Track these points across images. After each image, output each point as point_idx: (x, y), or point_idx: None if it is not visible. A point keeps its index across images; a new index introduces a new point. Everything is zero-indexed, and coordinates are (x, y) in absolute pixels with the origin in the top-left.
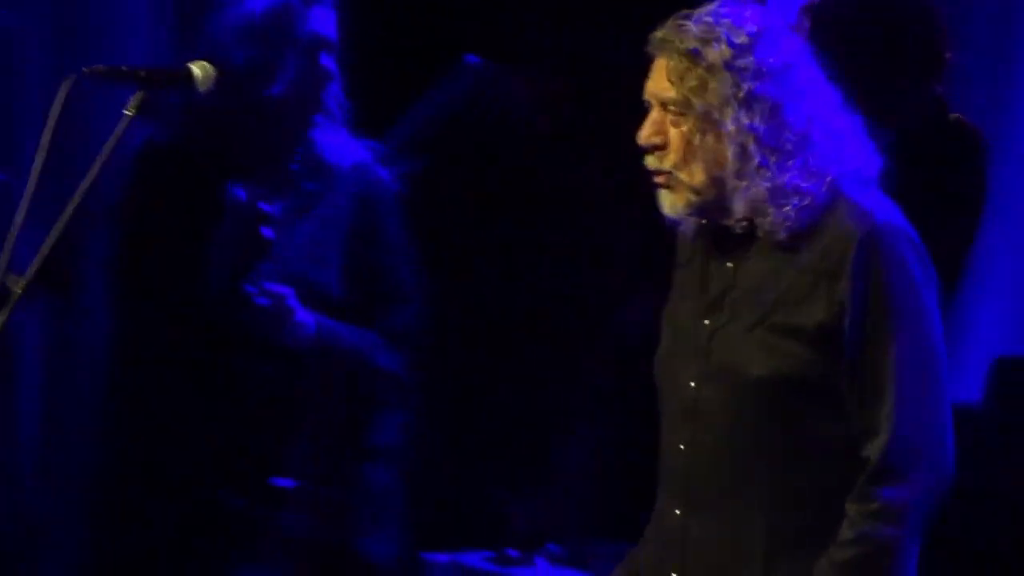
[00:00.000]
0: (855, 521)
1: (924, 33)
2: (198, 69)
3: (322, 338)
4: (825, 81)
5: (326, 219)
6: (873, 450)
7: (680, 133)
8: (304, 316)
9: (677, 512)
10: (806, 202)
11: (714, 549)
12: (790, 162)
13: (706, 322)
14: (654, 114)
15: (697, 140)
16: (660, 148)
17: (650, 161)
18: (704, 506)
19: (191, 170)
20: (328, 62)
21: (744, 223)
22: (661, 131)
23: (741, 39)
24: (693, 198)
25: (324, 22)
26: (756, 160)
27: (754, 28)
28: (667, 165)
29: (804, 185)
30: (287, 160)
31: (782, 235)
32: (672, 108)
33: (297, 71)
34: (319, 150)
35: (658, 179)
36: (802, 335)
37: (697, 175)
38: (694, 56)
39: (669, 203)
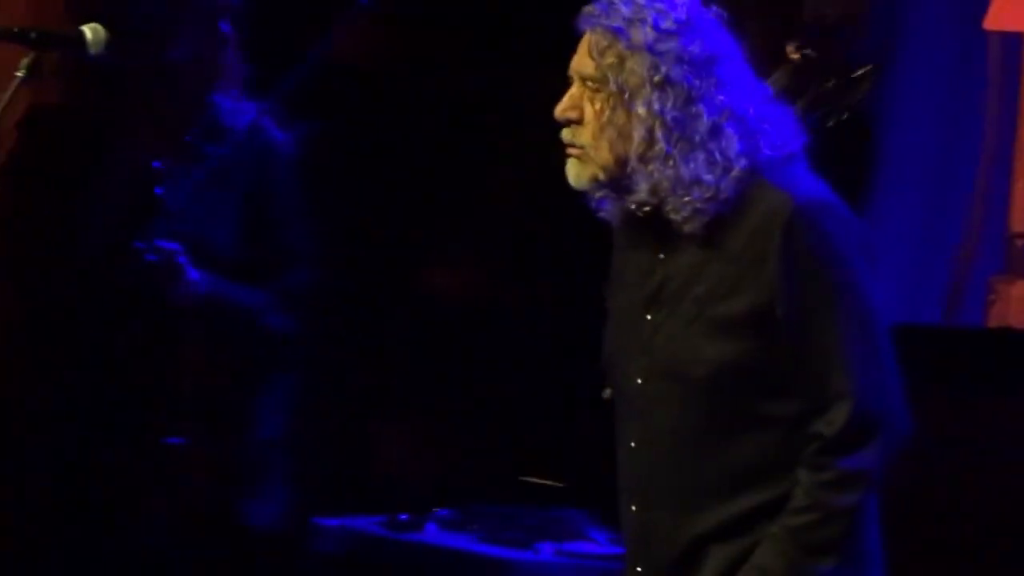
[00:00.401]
0: (809, 489)
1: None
2: (89, 31)
3: (212, 296)
4: (751, 77)
5: (221, 179)
6: (826, 424)
7: (594, 109)
8: (194, 274)
9: (633, 508)
10: (708, 194)
11: (672, 542)
12: (696, 153)
13: (648, 316)
14: (573, 88)
15: (607, 117)
16: (575, 122)
17: (565, 134)
18: (658, 502)
19: (84, 130)
20: (225, 26)
21: (646, 208)
22: (577, 105)
23: (667, 24)
24: (599, 174)
25: None
26: (661, 145)
27: (684, 16)
28: (580, 140)
29: (707, 177)
30: (185, 122)
31: (694, 227)
32: (590, 84)
33: (196, 35)
34: (215, 112)
35: (571, 151)
36: (738, 325)
37: (603, 152)
38: (617, 34)
39: (575, 174)
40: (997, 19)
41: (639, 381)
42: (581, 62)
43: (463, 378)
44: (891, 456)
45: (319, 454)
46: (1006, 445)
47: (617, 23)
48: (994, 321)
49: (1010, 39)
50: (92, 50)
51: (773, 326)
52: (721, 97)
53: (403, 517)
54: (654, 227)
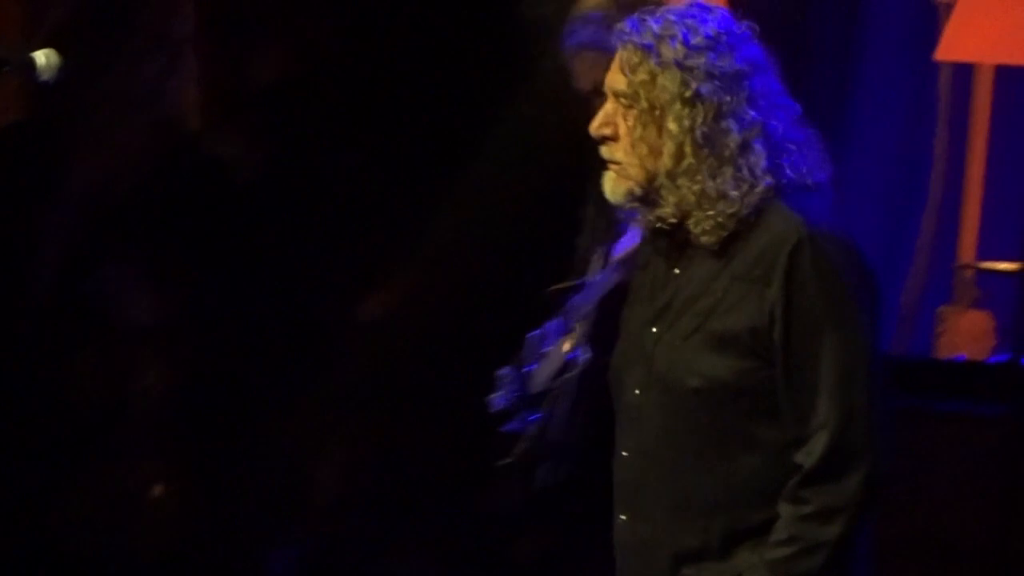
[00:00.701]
0: (788, 522)
1: None
2: (42, 57)
3: None
4: (782, 93)
5: None
6: (805, 455)
7: (627, 125)
8: None
9: (623, 518)
10: (732, 210)
11: (656, 555)
12: (724, 168)
13: (653, 329)
14: (608, 105)
15: (639, 133)
16: (610, 139)
17: (603, 151)
18: (647, 513)
19: (42, 149)
20: (185, 54)
21: (672, 222)
22: (611, 122)
23: (697, 40)
24: (634, 188)
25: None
26: (690, 161)
27: (713, 31)
28: (615, 156)
29: (733, 193)
30: (143, 148)
31: (712, 241)
32: (622, 100)
33: (156, 63)
34: (175, 144)
35: (610, 167)
36: (736, 342)
37: (636, 167)
38: (648, 50)
39: (611, 189)
40: (948, 50)
41: (636, 392)
42: (614, 78)
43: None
44: (867, 495)
45: None
46: (957, 473)
47: (648, 40)
48: (943, 351)
49: (960, 70)
50: (44, 76)
51: (769, 348)
52: (751, 113)
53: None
54: (674, 243)
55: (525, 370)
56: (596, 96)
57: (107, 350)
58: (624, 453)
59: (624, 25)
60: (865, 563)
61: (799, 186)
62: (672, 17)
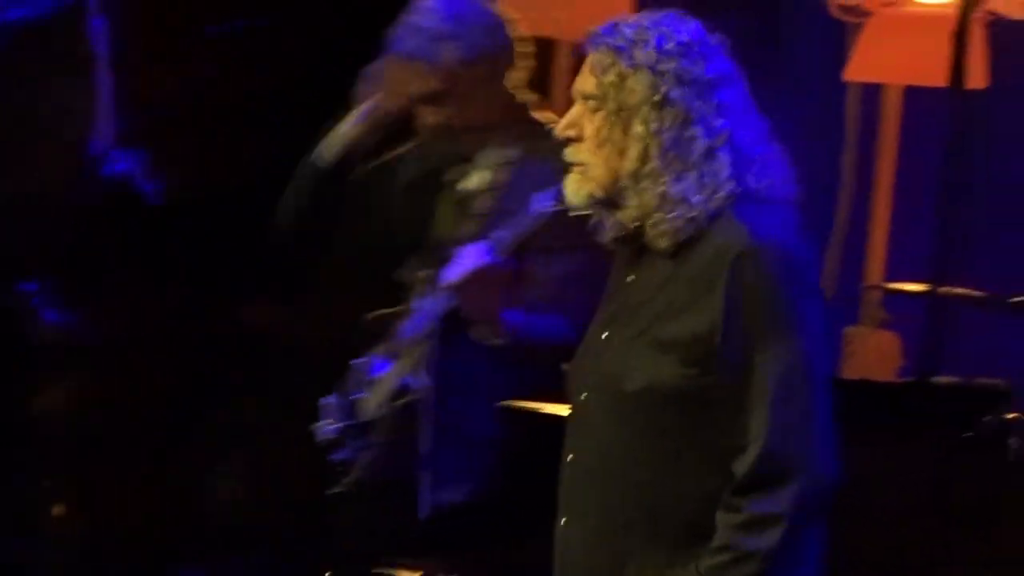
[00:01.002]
0: (723, 531)
1: None
2: None
3: None
4: (751, 107)
5: None
6: (741, 463)
7: (593, 127)
8: (51, 315)
9: (563, 522)
10: (691, 214)
11: (591, 558)
12: (688, 173)
13: (604, 335)
14: (575, 108)
15: (605, 134)
16: (574, 140)
17: (567, 153)
18: (583, 516)
19: None
20: (98, 75)
21: (633, 227)
22: (576, 123)
23: (670, 45)
24: (595, 191)
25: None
26: (655, 164)
27: (686, 38)
28: (579, 157)
29: (694, 198)
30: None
31: (665, 245)
32: (590, 102)
33: (68, 85)
34: (86, 164)
35: (573, 169)
36: (678, 347)
37: (600, 169)
38: (619, 52)
39: (573, 190)
40: (857, 71)
41: (583, 396)
42: (582, 80)
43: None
44: (805, 504)
45: None
46: (867, 495)
47: (620, 42)
48: (851, 372)
49: (869, 91)
50: None
51: (710, 355)
52: (720, 121)
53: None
54: (631, 251)
55: (352, 398)
56: (413, 106)
57: (11, 369)
58: (569, 456)
59: (597, 29)
60: (813, 573)
61: (759, 198)
62: (646, 23)
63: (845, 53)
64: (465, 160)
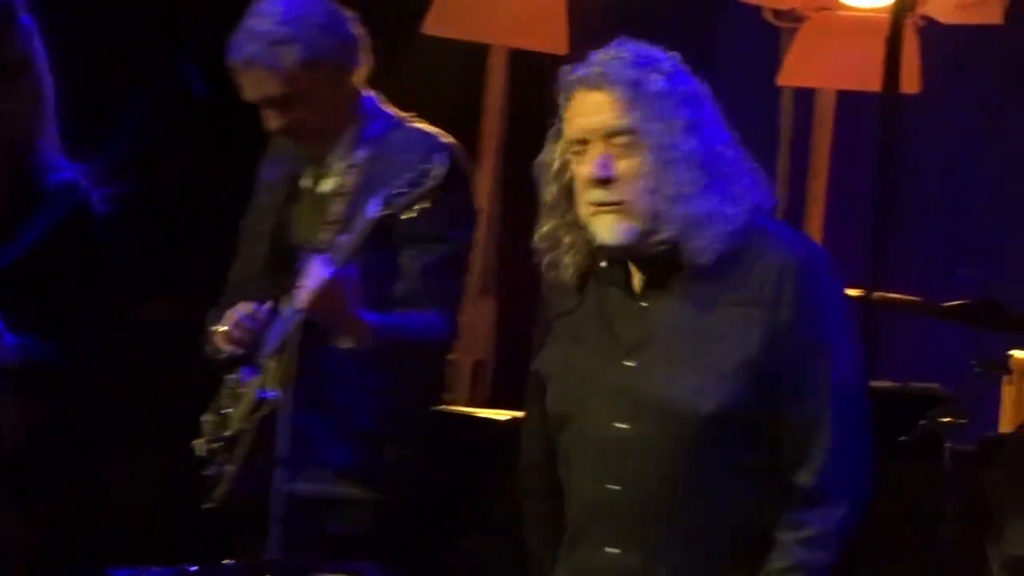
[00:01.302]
0: (789, 548)
1: None
2: None
3: None
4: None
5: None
6: (806, 476)
7: (630, 163)
8: (9, 338)
9: (615, 551)
10: (729, 227)
11: None
12: (722, 187)
13: (629, 363)
14: (599, 148)
15: (641, 167)
16: (610, 182)
17: (597, 195)
18: (647, 542)
19: None
20: (40, 78)
21: (664, 247)
22: (607, 164)
23: (668, 69)
24: (637, 225)
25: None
26: (698, 181)
27: (669, 61)
28: (615, 196)
29: (730, 210)
30: None
31: (707, 260)
32: (620, 139)
33: (5, 88)
34: (27, 168)
35: (606, 209)
36: (742, 367)
37: (641, 202)
38: (637, 85)
39: (615, 229)
40: (791, 75)
41: (617, 425)
42: (605, 120)
43: None
44: (857, 518)
45: None
46: None
47: (633, 75)
48: None
49: (802, 95)
50: None
51: (772, 372)
52: (720, 132)
53: (192, 569)
54: (625, 279)
55: (222, 413)
56: (264, 107)
57: None
58: (610, 486)
59: (598, 68)
60: None
61: (764, 211)
62: (642, 52)
63: (780, 58)
64: (316, 163)
